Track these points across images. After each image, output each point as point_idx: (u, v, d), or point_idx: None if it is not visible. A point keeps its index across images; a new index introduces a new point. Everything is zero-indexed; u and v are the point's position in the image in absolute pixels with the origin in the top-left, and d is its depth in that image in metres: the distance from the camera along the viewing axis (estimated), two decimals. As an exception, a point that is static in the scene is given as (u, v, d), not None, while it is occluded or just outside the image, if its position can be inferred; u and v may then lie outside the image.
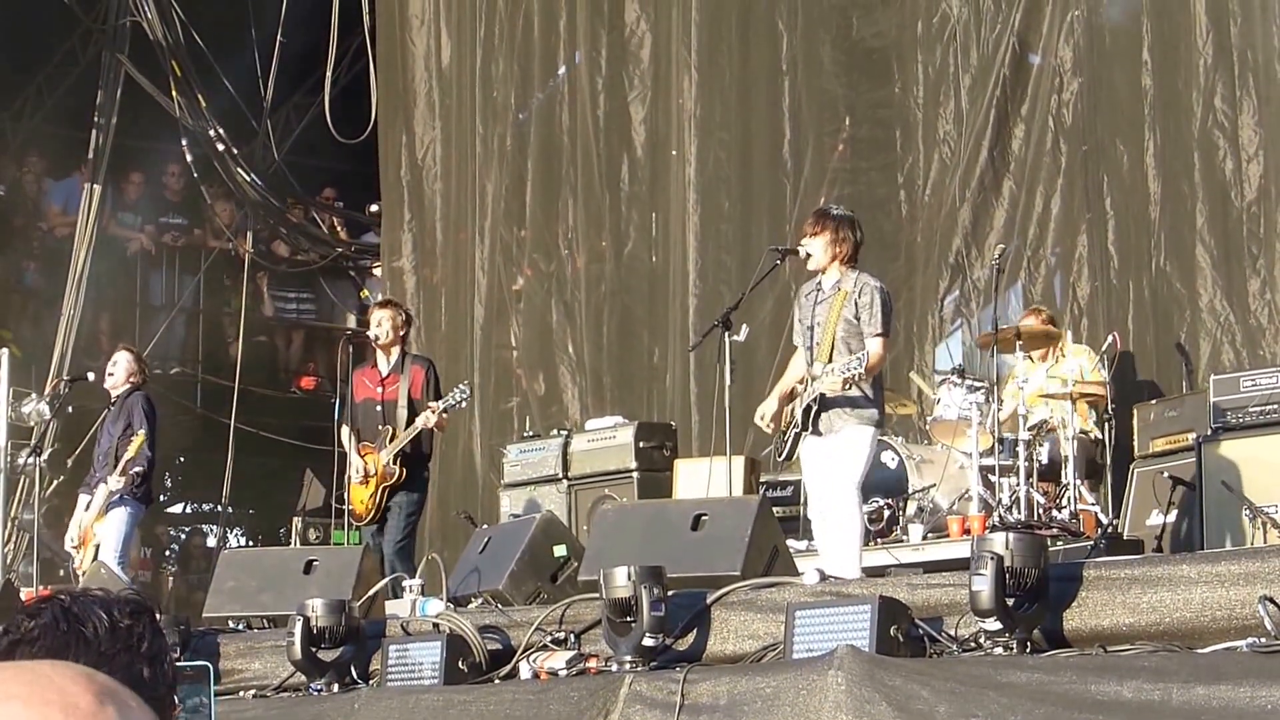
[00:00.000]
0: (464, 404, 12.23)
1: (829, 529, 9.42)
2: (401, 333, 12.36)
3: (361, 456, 12.04)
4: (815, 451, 9.39)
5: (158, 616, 2.23)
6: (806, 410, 9.30)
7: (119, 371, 12.93)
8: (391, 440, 11.99)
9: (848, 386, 9.19)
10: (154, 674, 2.16)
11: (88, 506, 12.73)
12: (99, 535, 12.58)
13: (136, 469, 12.49)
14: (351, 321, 19.37)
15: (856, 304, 9.37)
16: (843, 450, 9.30)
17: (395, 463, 11.95)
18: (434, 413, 11.88)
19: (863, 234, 9.77)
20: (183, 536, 20.40)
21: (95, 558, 12.49)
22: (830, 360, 9.29)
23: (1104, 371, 11.53)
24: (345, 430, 12.23)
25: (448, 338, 16.07)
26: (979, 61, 13.54)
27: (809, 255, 9.53)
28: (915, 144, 13.87)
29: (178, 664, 2.42)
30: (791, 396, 9.53)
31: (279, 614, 9.90)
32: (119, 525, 12.52)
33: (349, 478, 12.13)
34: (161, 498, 19.30)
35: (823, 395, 9.30)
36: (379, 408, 12.17)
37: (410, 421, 12.00)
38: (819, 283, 9.61)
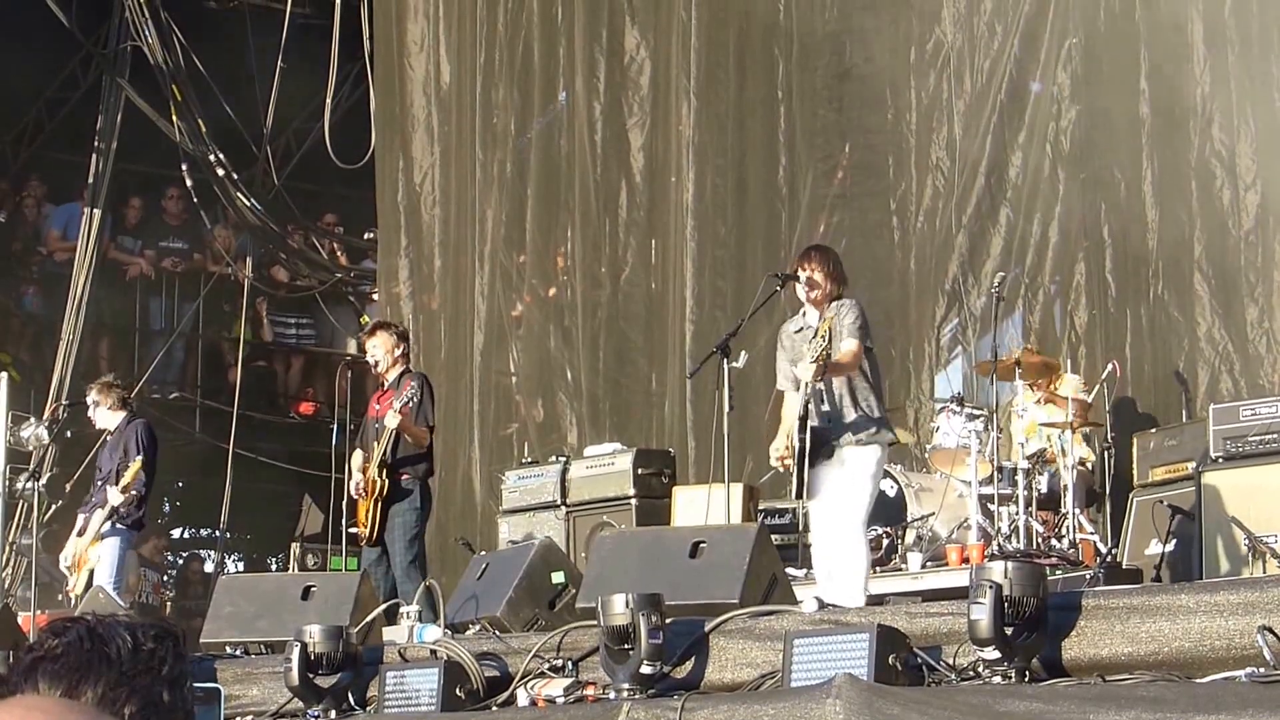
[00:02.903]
0: (414, 400, 12.06)
1: (834, 556, 9.38)
2: (398, 352, 12.29)
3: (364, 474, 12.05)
4: (821, 480, 9.37)
5: (181, 642, 2.25)
6: (803, 422, 9.23)
7: (97, 413, 12.98)
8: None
9: (821, 372, 9.12)
10: (174, 698, 2.17)
11: (83, 529, 12.74)
12: (93, 560, 12.60)
13: (134, 491, 12.53)
14: (351, 347, 19.34)
15: (839, 322, 9.36)
16: (848, 478, 9.29)
17: (381, 474, 11.92)
18: (394, 413, 11.79)
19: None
20: (180, 561, 20.37)
21: (89, 582, 12.51)
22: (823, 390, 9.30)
23: (1089, 397, 11.53)
24: (357, 451, 12.23)
25: (447, 364, 16.07)
26: (973, 88, 13.58)
27: (811, 287, 9.51)
28: (908, 170, 13.90)
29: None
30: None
31: (276, 640, 9.89)
32: (111, 552, 12.55)
33: (349, 493, 12.12)
34: (159, 522, 19.29)
35: (827, 419, 9.28)
36: (377, 425, 12.17)
37: (398, 435, 11.96)
38: (805, 322, 9.60)
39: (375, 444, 12.03)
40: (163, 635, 2.19)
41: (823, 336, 9.09)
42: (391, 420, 11.76)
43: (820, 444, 9.28)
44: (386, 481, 11.91)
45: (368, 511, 11.96)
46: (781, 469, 9.59)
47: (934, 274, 13.61)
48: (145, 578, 16.96)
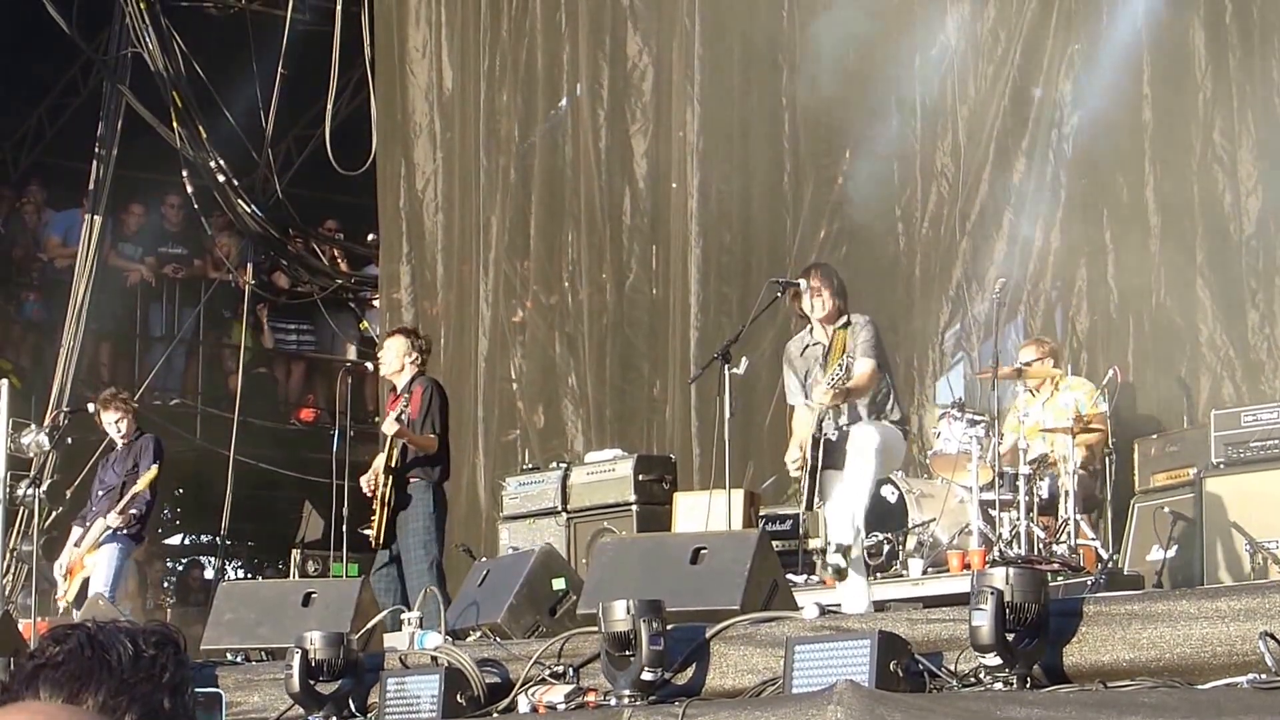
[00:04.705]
0: (408, 413, 12.07)
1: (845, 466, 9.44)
2: (409, 359, 12.32)
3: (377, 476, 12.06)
4: (832, 484, 9.40)
5: (183, 648, 2.24)
6: (816, 441, 9.30)
7: (125, 428, 13.03)
8: None
9: (839, 400, 9.24)
10: (175, 705, 2.17)
11: (79, 540, 12.76)
12: (89, 567, 12.60)
13: (133, 511, 12.56)
14: (352, 353, 19.36)
15: (853, 341, 9.43)
16: (854, 445, 9.37)
17: (388, 481, 11.94)
18: (392, 421, 11.83)
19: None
20: (180, 568, 20.36)
21: (80, 590, 12.54)
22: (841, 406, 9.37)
23: (1103, 404, 11.52)
24: (380, 455, 12.26)
25: (448, 370, 16.04)
26: (977, 94, 13.57)
27: (816, 307, 9.57)
28: (913, 176, 13.89)
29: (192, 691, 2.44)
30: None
31: (277, 646, 9.88)
32: (109, 561, 12.56)
33: (364, 490, 12.14)
34: (159, 529, 19.27)
35: (839, 431, 9.34)
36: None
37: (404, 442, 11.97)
38: (811, 339, 9.64)
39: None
40: (164, 642, 2.19)
41: (839, 364, 9.18)
42: (389, 428, 11.80)
43: (833, 454, 9.33)
44: (395, 491, 11.92)
45: (376, 517, 11.98)
46: (794, 473, 9.63)
47: (938, 280, 13.61)
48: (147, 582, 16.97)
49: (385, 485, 11.91)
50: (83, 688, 2.11)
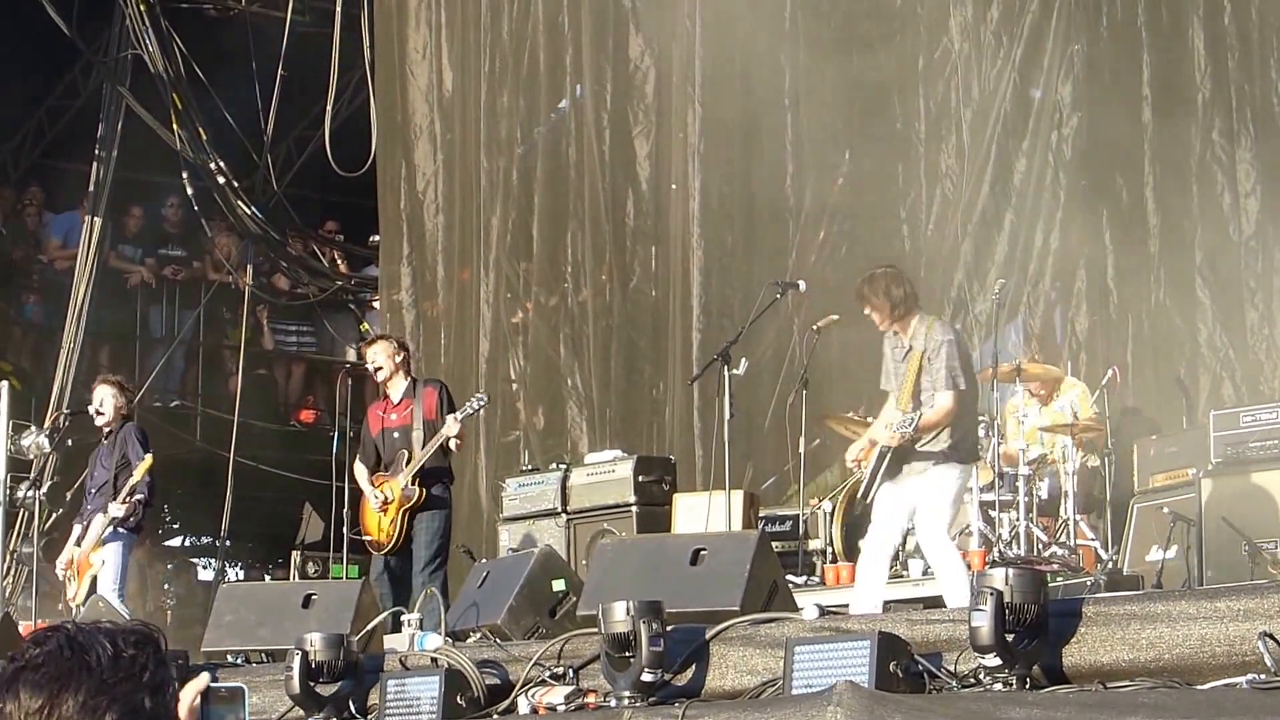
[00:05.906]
0: (482, 409, 12.11)
1: (933, 564, 9.44)
2: (399, 359, 12.33)
3: (377, 486, 12.01)
4: (892, 488, 9.32)
5: (163, 648, 2.23)
6: (881, 456, 9.25)
7: (108, 409, 12.91)
8: (409, 463, 11.96)
9: (906, 442, 9.16)
10: (155, 704, 2.17)
11: (80, 538, 12.73)
12: (95, 565, 12.58)
13: (138, 497, 12.51)
14: (351, 355, 19.35)
15: (931, 361, 9.30)
16: (927, 492, 9.27)
17: (414, 484, 11.94)
18: (455, 421, 11.83)
19: (910, 285, 9.56)
20: (180, 570, 20.36)
21: (91, 589, 12.50)
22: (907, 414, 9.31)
23: (1095, 407, 11.51)
24: (359, 466, 12.21)
25: (449, 371, 16.04)
26: (980, 96, 13.58)
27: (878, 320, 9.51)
28: (918, 178, 13.90)
29: (213, 685, 2.43)
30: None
31: (277, 648, 9.87)
32: (115, 558, 12.52)
33: (366, 505, 12.10)
34: (159, 530, 19.27)
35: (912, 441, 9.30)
36: (395, 435, 12.16)
37: (426, 442, 11.97)
38: (897, 340, 9.51)
39: (398, 454, 12.00)
40: (143, 641, 2.18)
41: (907, 419, 9.11)
42: (452, 429, 11.78)
43: (896, 460, 9.26)
44: (424, 492, 11.92)
45: (393, 521, 11.94)
46: (854, 469, 9.57)
47: (941, 281, 13.61)
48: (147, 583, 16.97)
49: (420, 492, 11.92)
50: (62, 689, 2.12)
